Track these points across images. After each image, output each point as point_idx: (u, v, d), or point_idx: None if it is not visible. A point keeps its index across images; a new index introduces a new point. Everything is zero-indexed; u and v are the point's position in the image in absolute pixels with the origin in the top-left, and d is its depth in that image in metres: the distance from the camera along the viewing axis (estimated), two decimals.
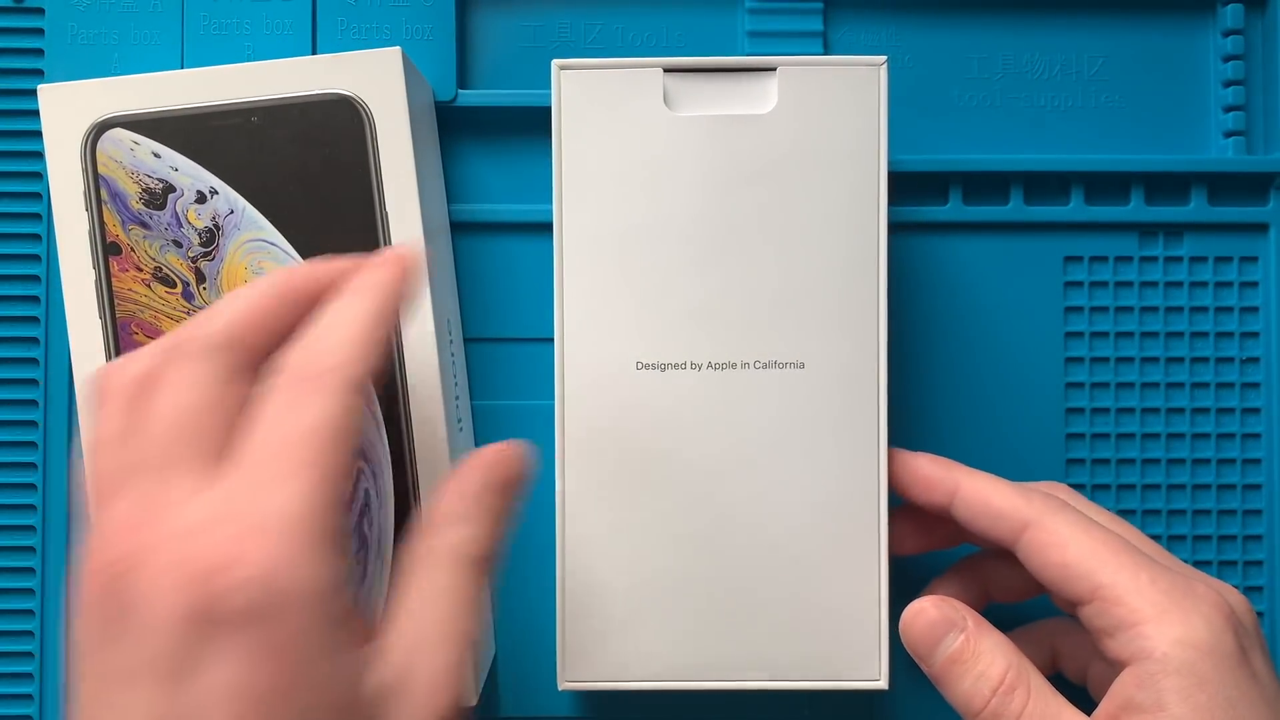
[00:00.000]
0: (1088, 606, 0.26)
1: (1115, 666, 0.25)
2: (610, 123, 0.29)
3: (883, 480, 0.29)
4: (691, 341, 0.28)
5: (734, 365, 0.28)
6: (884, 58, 0.31)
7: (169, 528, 0.19)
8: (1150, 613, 0.24)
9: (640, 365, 0.28)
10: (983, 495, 0.28)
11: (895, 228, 0.34)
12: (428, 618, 0.22)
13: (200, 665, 0.18)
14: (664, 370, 0.28)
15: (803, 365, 0.28)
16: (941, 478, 0.29)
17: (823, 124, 0.28)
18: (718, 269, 0.28)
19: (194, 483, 0.20)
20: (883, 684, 0.29)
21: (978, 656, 0.26)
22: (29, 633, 0.34)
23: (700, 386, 0.28)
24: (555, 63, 0.31)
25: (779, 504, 0.29)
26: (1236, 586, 0.34)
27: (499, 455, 0.25)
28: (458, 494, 0.24)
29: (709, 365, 0.28)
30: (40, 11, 0.35)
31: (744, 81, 0.28)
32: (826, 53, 0.35)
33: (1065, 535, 0.26)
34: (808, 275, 0.28)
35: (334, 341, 0.22)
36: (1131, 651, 0.24)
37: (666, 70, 0.29)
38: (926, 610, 0.27)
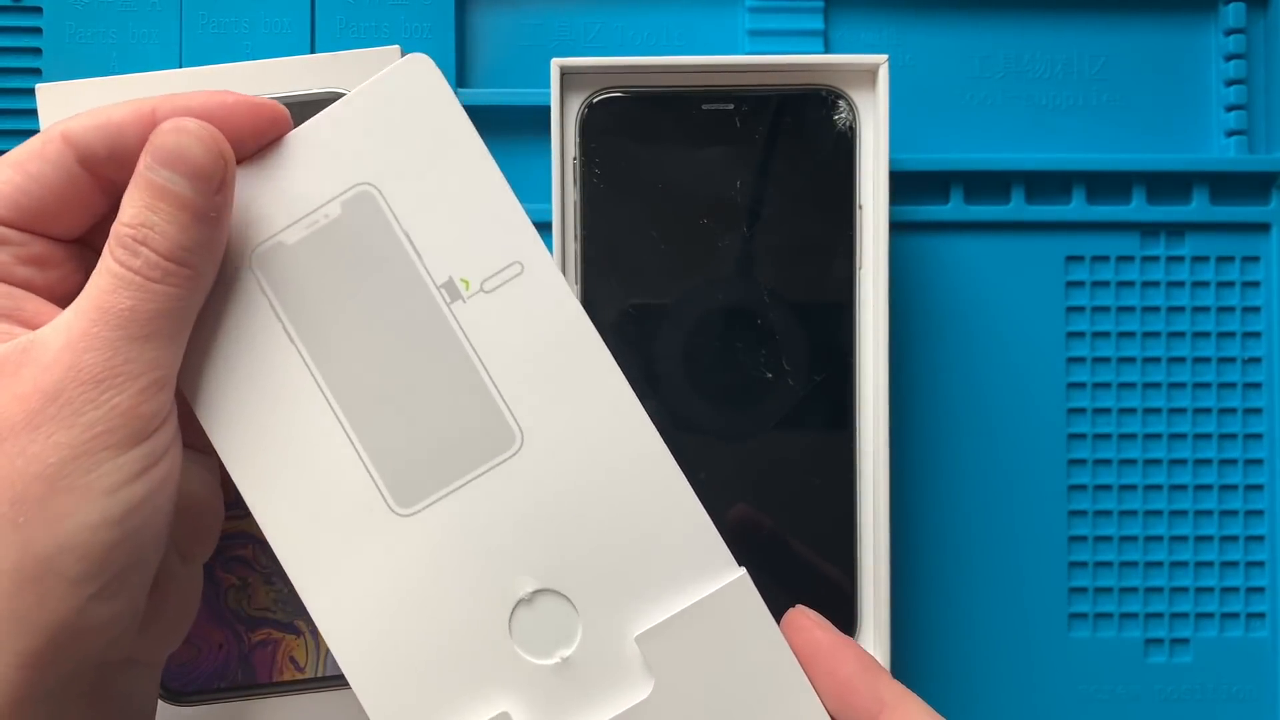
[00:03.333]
0: None
1: None
2: None
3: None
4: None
5: None
6: (884, 56, 0.31)
7: None
8: None
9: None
10: None
11: (896, 227, 0.34)
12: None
13: None
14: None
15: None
16: (861, 691, 0.23)
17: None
18: None
19: None
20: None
21: None
22: None
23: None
24: (555, 62, 0.30)
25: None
26: (1238, 588, 0.35)
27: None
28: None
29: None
30: (38, 10, 0.35)
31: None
32: (827, 51, 0.35)
33: None
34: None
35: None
36: None
37: None
38: None
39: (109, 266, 0.21)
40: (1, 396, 0.21)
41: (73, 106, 0.31)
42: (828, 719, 0.23)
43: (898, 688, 0.23)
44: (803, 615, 0.24)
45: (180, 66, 0.34)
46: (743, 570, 0.23)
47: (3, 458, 0.20)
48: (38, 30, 0.35)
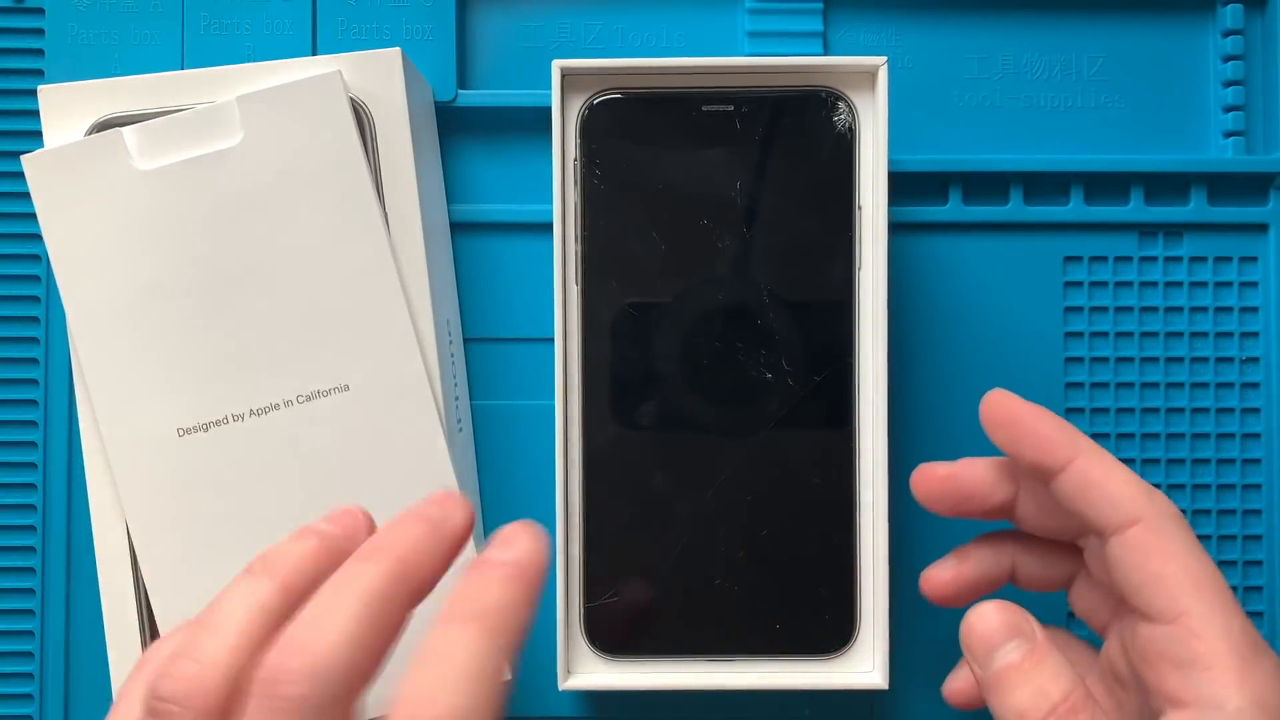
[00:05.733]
0: (1163, 628, 0.24)
1: (1160, 694, 0.24)
2: (86, 194, 0.29)
3: (451, 478, 0.29)
4: (226, 394, 0.28)
5: (276, 406, 0.28)
6: (884, 58, 0.31)
7: None
8: (1233, 662, 0.23)
9: (182, 431, 0.28)
10: (1103, 472, 0.26)
11: (895, 228, 0.34)
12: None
13: None
14: (208, 430, 0.28)
15: (347, 387, 0.28)
16: (1061, 442, 0.26)
17: (292, 145, 0.28)
18: (232, 313, 0.28)
19: None
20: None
21: (1040, 669, 0.24)
22: (29, 632, 0.34)
23: (248, 436, 0.28)
24: (556, 63, 0.31)
25: None
26: (1236, 587, 0.35)
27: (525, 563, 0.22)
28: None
29: (250, 413, 0.28)
30: (40, 11, 0.35)
31: (209, 119, 0.28)
32: (827, 52, 0.35)
33: (1177, 547, 0.25)
34: (322, 299, 0.28)
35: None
36: (1198, 694, 0.23)
37: (127, 125, 0.29)
38: (991, 614, 0.25)
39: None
40: None
41: (75, 108, 0.31)
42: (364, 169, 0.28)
43: (1092, 443, 0.26)
44: (1006, 394, 0.28)
45: (182, 68, 0.34)
46: (339, 69, 0.28)
47: None
48: (40, 32, 0.35)
